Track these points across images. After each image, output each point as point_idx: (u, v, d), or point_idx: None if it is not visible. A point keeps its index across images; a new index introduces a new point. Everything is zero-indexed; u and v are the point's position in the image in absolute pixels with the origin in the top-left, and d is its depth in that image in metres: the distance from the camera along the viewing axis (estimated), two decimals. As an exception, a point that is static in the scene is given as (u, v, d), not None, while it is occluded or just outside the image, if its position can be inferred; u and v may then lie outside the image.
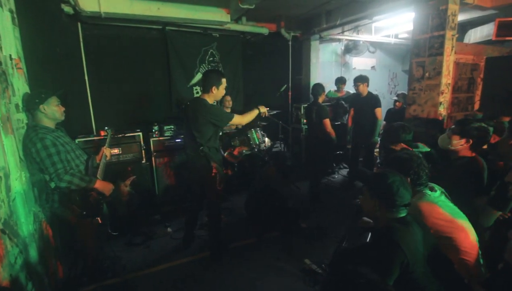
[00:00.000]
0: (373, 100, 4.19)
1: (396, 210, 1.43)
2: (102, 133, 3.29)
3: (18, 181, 1.86)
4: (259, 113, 2.87)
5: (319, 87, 3.93)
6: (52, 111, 2.08)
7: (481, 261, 1.68)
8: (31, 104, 2.04)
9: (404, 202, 1.42)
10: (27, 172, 2.01)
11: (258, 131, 4.21)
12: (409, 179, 1.75)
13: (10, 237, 1.68)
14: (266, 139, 4.34)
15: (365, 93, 4.25)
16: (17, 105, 1.98)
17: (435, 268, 1.41)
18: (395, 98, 5.24)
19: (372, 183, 1.54)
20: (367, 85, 4.25)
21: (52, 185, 2.07)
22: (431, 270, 1.40)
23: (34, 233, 1.98)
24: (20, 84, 2.06)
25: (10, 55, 1.95)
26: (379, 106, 4.18)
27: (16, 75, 2.01)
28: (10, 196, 1.76)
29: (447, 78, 3.50)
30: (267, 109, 2.93)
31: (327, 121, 3.79)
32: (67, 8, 3.44)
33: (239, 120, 2.70)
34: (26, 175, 1.99)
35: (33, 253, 1.94)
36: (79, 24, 3.87)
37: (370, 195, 1.51)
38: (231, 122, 2.64)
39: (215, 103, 2.84)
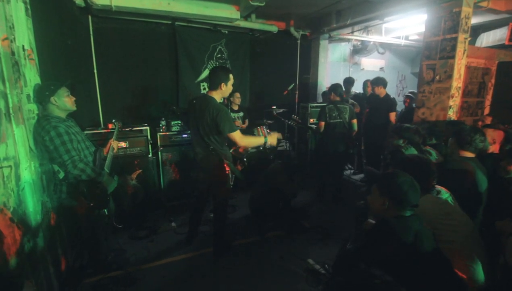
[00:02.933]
0: (389, 104, 4.19)
1: (403, 209, 1.46)
2: (110, 126, 3.31)
3: (28, 170, 1.88)
4: (265, 143, 2.60)
5: (345, 86, 3.98)
6: (63, 102, 2.11)
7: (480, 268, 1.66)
8: (42, 97, 2.06)
9: (412, 202, 1.45)
10: (36, 162, 2.02)
11: (264, 129, 4.21)
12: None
13: (18, 225, 1.71)
14: (272, 137, 4.32)
15: (382, 95, 4.25)
16: (28, 96, 1.99)
17: (434, 271, 1.41)
18: (408, 94, 5.23)
19: (383, 181, 1.56)
20: (384, 88, 4.24)
21: (61, 175, 2.09)
22: (430, 273, 1.41)
23: (42, 222, 2.00)
24: (32, 75, 2.07)
25: (23, 46, 1.97)
26: (394, 110, 4.18)
27: (28, 66, 2.02)
28: (20, 185, 1.78)
29: (457, 81, 3.46)
30: (279, 136, 2.62)
31: (356, 121, 3.89)
32: (78, 1, 3.46)
33: (239, 139, 2.45)
34: (36, 164, 2.01)
35: (40, 242, 1.96)
36: (89, 17, 3.90)
37: (380, 193, 1.52)
38: (230, 135, 2.42)
39: (222, 101, 2.82)
